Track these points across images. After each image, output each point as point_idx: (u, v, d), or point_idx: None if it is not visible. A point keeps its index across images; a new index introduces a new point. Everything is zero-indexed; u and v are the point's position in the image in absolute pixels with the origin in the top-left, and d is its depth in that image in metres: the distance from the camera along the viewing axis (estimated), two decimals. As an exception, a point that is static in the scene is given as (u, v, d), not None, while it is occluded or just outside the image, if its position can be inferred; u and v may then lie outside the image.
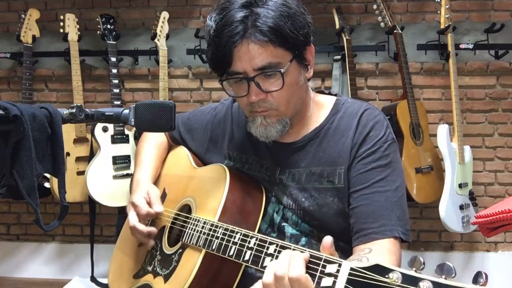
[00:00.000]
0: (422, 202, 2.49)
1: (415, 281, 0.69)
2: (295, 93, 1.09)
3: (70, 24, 2.65)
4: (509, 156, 2.83)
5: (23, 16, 2.69)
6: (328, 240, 0.82)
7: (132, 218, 1.24)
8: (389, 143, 1.12)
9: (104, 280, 2.64)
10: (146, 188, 1.30)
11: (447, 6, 2.54)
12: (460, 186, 2.47)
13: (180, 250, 1.16)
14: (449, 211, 2.39)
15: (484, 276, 0.66)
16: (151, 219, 1.29)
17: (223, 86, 1.10)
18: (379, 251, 1.02)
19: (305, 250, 0.84)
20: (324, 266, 0.80)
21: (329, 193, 1.12)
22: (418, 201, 2.44)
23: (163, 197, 1.36)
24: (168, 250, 1.21)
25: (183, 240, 1.15)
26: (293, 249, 0.86)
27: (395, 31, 2.55)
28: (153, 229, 1.24)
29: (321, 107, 1.20)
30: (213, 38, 1.04)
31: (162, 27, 2.70)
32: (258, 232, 1.11)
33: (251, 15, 1.00)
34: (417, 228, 2.89)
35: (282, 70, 1.02)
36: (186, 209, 1.25)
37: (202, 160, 1.35)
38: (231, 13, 1.01)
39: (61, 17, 2.65)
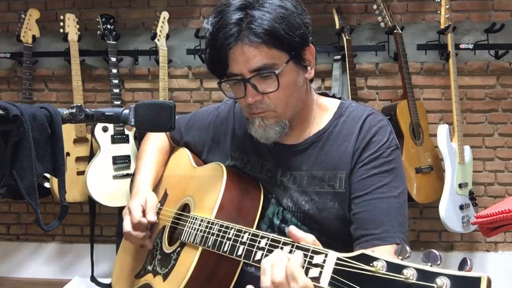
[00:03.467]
0: (422, 202, 2.49)
1: (399, 268, 0.70)
2: (293, 94, 1.09)
3: (70, 24, 2.65)
4: (509, 156, 2.83)
5: (23, 16, 2.69)
6: (293, 230, 0.89)
7: (126, 224, 1.24)
8: (392, 149, 1.12)
9: (104, 280, 2.64)
10: (145, 195, 1.29)
11: (447, 6, 2.54)
12: (460, 186, 2.47)
13: (179, 249, 1.16)
14: (449, 211, 2.39)
15: (469, 262, 0.67)
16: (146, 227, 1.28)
17: (221, 88, 1.10)
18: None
19: (295, 243, 0.87)
20: (311, 257, 0.82)
21: (330, 197, 1.12)
22: (418, 201, 2.44)
23: (165, 197, 1.36)
24: (167, 249, 1.21)
25: (181, 239, 1.16)
26: (283, 242, 0.88)
27: (395, 31, 2.55)
28: (148, 234, 1.24)
29: (324, 110, 1.19)
30: (210, 40, 1.04)
31: (162, 27, 2.70)
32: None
33: (246, 17, 1.00)
34: (417, 228, 2.89)
35: (277, 72, 1.02)
36: (187, 208, 1.25)
37: (203, 160, 1.35)
38: (227, 15, 1.02)
39: (61, 17, 2.65)
